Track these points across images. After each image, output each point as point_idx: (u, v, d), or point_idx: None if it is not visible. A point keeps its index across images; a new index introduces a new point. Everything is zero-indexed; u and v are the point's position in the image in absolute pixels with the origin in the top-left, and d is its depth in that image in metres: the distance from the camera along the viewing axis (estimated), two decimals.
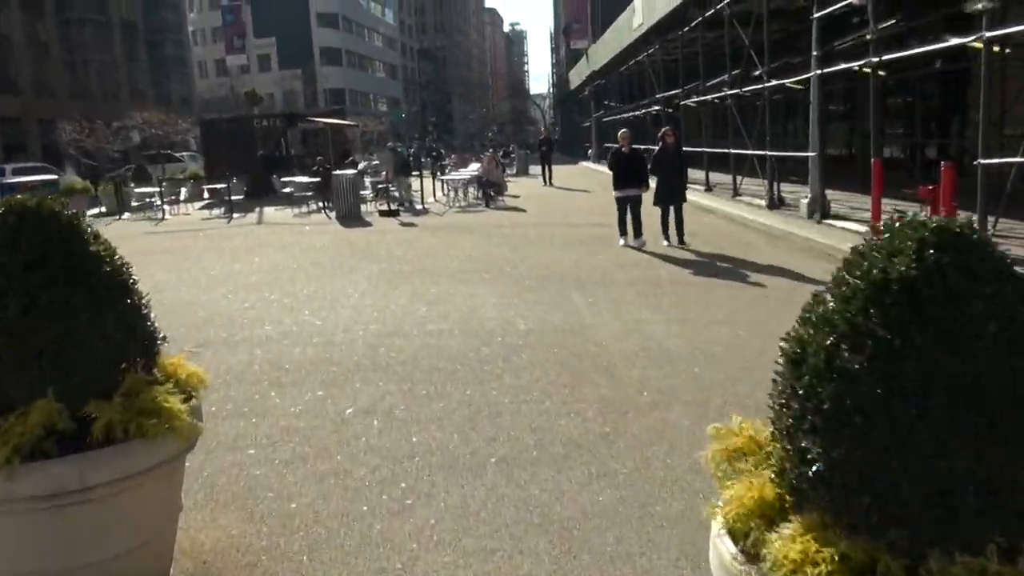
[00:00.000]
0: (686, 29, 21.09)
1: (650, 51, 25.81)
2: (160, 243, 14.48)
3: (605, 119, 39.37)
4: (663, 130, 11.17)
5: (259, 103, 29.92)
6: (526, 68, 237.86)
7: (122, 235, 16.47)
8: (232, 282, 9.78)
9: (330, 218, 17.58)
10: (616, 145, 11.37)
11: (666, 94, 24.32)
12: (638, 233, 11.06)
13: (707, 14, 18.50)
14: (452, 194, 19.77)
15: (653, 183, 11.04)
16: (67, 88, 51.63)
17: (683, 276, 9.16)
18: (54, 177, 20.92)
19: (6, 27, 48.29)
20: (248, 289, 9.25)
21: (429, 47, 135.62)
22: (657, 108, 25.48)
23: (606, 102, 40.63)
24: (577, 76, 48.55)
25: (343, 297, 8.54)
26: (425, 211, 18.11)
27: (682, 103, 22.20)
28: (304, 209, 19.61)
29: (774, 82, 14.97)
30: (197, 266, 11.25)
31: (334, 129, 27.70)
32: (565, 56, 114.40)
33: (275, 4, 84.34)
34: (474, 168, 22.54)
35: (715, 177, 20.80)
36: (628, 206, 11.00)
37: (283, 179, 21.34)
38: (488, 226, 14.75)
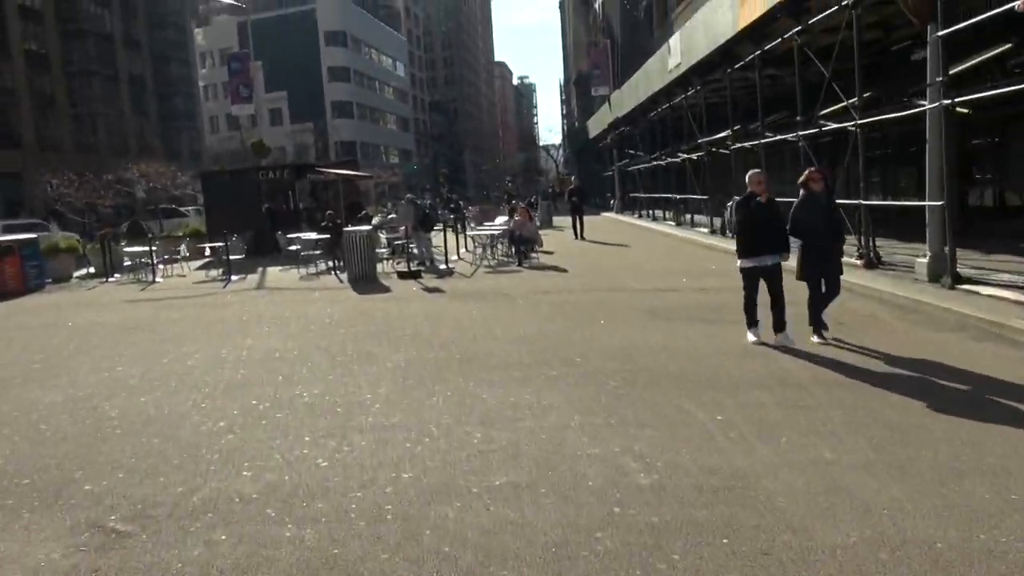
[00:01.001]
0: (736, 67, 19.00)
1: (688, 92, 23.76)
2: (139, 316, 12.13)
3: (630, 168, 37.28)
4: (807, 173, 7.82)
5: (266, 155, 27.98)
6: (535, 120, 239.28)
7: (100, 303, 14.18)
8: (211, 380, 7.34)
9: (341, 281, 15.25)
10: (745, 194, 7.74)
11: (712, 138, 22.15)
12: (781, 324, 7.62)
13: (768, 46, 16.38)
14: (480, 251, 17.44)
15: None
16: (72, 142, 50.34)
17: (821, 373, 6.65)
18: (33, 236, 18.76)
19: (10, 81, 47.20)
20: (230, 393, 6.81)
21: (440, 100, 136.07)
22: (699, 153, 23.30)
23: (629, 150, 38.68)
24: (597, 124, 46.75)
25: (359, 410, 6.08)
26: (450, 272, 15.76)
27: (733, 147, 19.98)
28: (312, 270, 17.32)
29: (885, 116, 12.68)
30: (173, 352, 8.84)
31: (345, 181, 25.62)
32: (577, 107, 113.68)
33: (286, 58, 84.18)
34: (500, 221, 20.29)
35: None
36: (762, 281, 7.74)
37: (289, 235, 19.13)
38: (530, 292, 12.34)
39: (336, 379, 7.14)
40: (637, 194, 36.01)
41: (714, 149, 23.23)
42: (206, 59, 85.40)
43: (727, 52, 19.31)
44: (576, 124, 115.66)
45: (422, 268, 16.04)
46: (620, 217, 37.30)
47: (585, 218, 24.46)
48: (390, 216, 23.32)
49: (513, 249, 16.75)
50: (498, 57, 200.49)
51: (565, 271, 15.09)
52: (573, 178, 26.30)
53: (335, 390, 6.73)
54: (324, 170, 24.52)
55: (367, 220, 19.71)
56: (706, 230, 23.01)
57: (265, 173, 24.06)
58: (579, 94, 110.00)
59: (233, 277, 16.87)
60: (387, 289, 13.64)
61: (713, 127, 22.93)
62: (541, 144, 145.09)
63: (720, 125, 23.34)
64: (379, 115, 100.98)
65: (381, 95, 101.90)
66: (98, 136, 52.59)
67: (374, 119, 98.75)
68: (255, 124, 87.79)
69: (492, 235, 17.34)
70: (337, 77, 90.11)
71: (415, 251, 16.86)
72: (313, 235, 18.24)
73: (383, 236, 18.41)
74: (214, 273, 18.25)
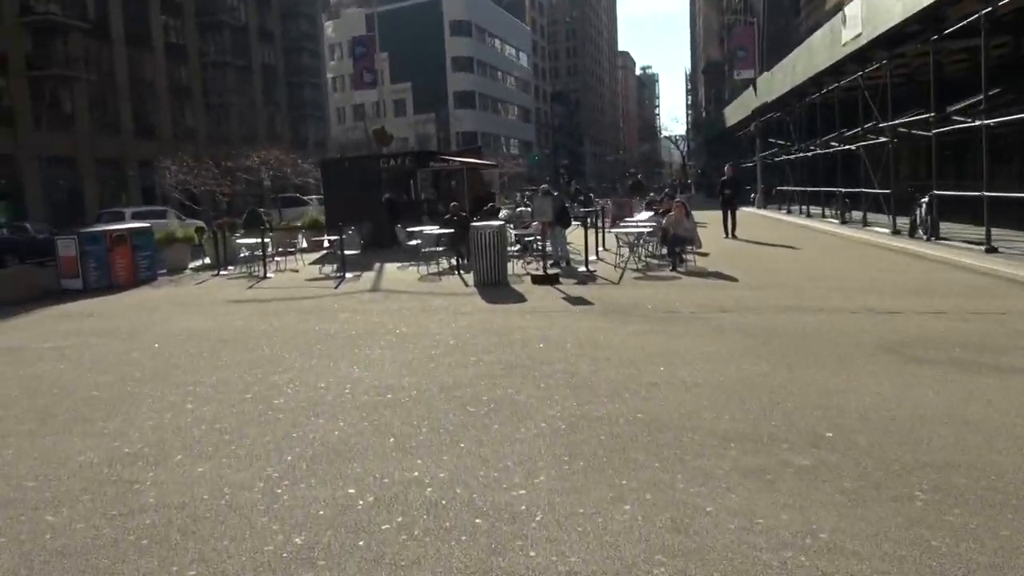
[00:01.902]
0: (947, 32, 15.56)
1: (867, 69, 20.28)
2: (236, 323, 10.44)
3: (778, 158, 33.60)
4: None
5: (388, 142, 26.52)
6: (657, 111, 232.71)
7: (201, 304, 12.68)
8: (298, 438, 5.28)
9: (467, 284, 13.18)
10: None
11: (904, 120, 18.65)
12: None
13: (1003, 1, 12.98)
14: (625, 252, 14.96)
15: None
16: (206, 132, 51.36)
17: None
18: (146, 225, 17.81)
19: (150, 72, 48.49)
20: (318, 468, 4.69)
21: (562, 90, 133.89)
22: (880, 140, 19.80)
23: (773, 139, 34.96)
24: (738, 111, 43.00)
25: (509, 525, 3.79)
26: (591, 276, 13.37)
27: (935, 131, 16.50)
28: (433, 268, 15.39)
29: None
30: (260, 383, 6.91)
31: (470, 170, 23.72)
32: (705, 96, 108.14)
33: (412, 49, 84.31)
34: (644, 217, 17.72)
35: (952, 228, 14.75)
36: None
37: (409, 229, 17.32)
38: (703, 308, 9.76)
39: (469, 450, 4.90)
40: (785, 187, 32.36)
41: (882, 139, 19.71)
42: (335, 51, 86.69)
43: (929, 16, 15.91)
44: (704, 114, 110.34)
45: (558, 271, 13.73)
46: (764, 212, 33.70)
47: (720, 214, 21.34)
48: (519, 209, 21.07)
49: (665, 250, 14.15)
50: (621, 47, 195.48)
51: (734, 280, 12.36)
52: (727, 167, 23.13)
53: (469, 474, 4.49)
54: (448, 158, 22.69)
55: (494, 214, 17.60)
56: (885, 230, 19.55)
57: (386, 161, 22.46)
58: (707, 83, 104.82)
59: (347, 275, 15.17)
60: (521, 298, 11.40)
61: (894, 110, 19.39)
62: (664, 135, 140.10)
63: (902, 107, 19.80)
64: (501, 105, 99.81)
65: (504, 85, 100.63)
66: (230, 125, 53.53)
67: (496, 109, 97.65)
68: (380, 114, 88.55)
69: (639, 233, 14.78)
70: (461, 67, 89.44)
71: (548, 250, 14.59)
72: (436, 229, 16.31)
73: (511, 232, 16.21)
74: (328, 269, 16.66)
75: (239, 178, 26.63)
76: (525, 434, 5.15)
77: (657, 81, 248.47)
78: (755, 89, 36.54)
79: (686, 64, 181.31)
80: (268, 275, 16.26)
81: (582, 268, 14.29)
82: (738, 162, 47.76)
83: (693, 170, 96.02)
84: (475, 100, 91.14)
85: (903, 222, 18.77)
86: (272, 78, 60.91)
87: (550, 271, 13.21)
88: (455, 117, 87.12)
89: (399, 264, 16.71)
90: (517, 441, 5.02)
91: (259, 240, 16.71)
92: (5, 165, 34.75)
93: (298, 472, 4.64)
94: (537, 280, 12.73)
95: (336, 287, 13.86)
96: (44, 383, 7.37)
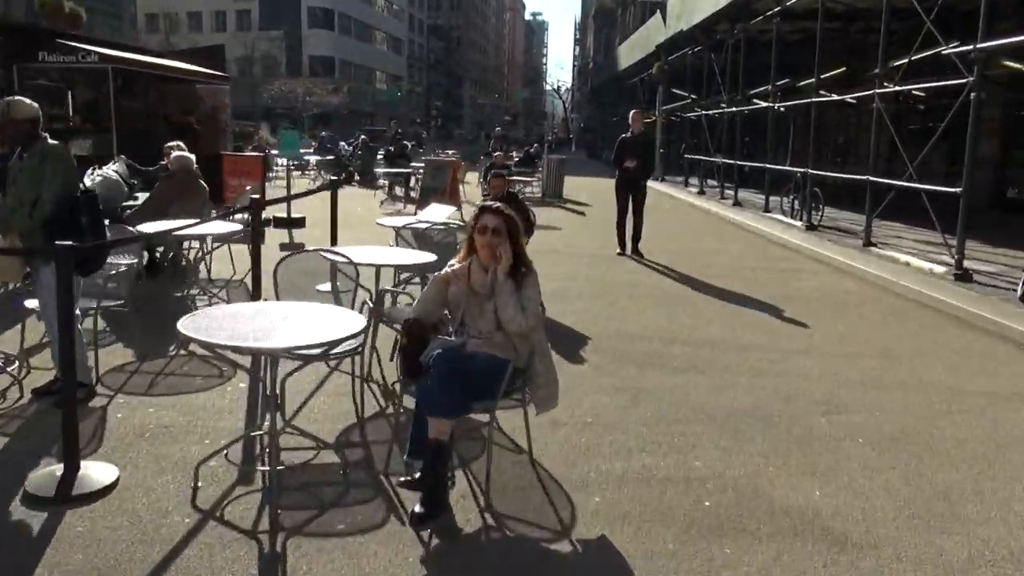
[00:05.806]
0: None
1: None
2: None
3: (693, 113, 23.88)
4: None
5: (73, 25, 14.46)
6: (544, 61, 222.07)
7: None
8: None
9: None
10: None
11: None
12: None
13: None
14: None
15: None
16: None
17: None
18: None
19: None
20: None
21: (442, 24, 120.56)
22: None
23: (676, 89, 25.30)
24: (639, 48, 33.00)
25: None
26: None
27: None
28: None
29: None
30: None
31: (174, 84, 12.40)
32: (593, 45, 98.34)
33: None
34: (439, 214, 7.17)
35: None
36: None
37: None
38: None
39: None
40: (704, 157, 22.69)
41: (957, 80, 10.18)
42: None
43: None
44: (591, 64, 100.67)
45: None
46: (668, 190, 23.85)
47: (603, 181, 11.01)
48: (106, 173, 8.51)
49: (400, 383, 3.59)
50: None
51: None
52: (633, 115, 12.04)
53: None
54: (84, 47, 11.16)
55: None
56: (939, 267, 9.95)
57: None
58: (598, 29, 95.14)
59: None
60: None
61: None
62: (550, 86, 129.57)
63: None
64: (366, 31, 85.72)
65: (371, 8, 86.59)
66: None
67: (360, 35, 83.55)
68: (218, 27, 72.89)
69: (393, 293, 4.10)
70: None
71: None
72: None
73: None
74: None
75: None
76: None
77: (547, 29, 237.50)
78: (663, 16, 26.58)
79: (576, 12, 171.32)
80: None
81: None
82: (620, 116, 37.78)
83: (576, 123, 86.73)
84: (334, 20, 76.86)
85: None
86: None
87: None
88: (308, 37, 73.17)
89: None
90: None
91: None
92: None
93: None
94: None
95: None
96: None
